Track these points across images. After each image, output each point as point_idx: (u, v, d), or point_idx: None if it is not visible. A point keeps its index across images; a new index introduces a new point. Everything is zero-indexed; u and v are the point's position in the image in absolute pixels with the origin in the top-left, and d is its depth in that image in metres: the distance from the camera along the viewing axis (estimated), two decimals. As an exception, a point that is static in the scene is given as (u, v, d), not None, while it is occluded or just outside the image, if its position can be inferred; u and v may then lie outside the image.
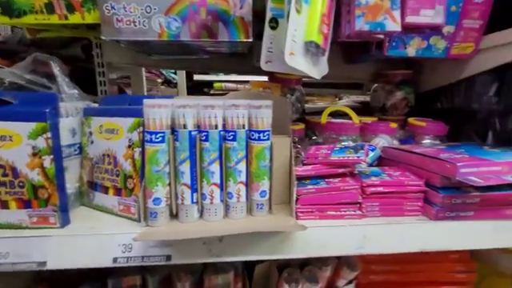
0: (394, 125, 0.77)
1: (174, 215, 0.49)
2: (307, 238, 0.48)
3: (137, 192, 0.47)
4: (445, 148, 0.60)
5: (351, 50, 0.88)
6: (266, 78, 0.85)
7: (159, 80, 2.36)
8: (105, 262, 0.44)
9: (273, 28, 0.49)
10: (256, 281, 0.59)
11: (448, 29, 0.68)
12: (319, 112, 0.80)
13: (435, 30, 0.53)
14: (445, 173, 0.49)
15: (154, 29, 0.56)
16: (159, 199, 0.46)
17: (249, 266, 0.61)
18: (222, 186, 0.49)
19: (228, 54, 0.83)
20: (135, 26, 0.56)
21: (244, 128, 0.48)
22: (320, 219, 0.51)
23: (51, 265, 0.43)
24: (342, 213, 0.51)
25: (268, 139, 0.49)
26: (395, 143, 0.77)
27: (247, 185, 0.50)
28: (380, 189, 0.52)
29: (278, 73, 0.78)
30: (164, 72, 2.38)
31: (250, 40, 0.56)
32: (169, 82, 2.49)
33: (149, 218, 0.46)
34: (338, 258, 0.62)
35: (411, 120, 0.80)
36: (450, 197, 0.50)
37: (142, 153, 0.47)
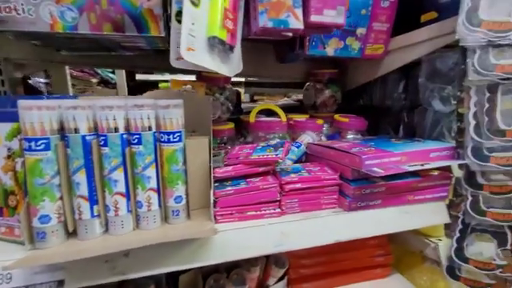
0: (320, 121, 0.80)
1: (71, 233, 0.43)
2: (226, 241, 0.47)
3: (19, 210, 0.40)
4: (359, 142, 0.64)
5: (281, 50, 0.90)
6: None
7: (94, 80, 2.15)
8: (-27, 299, 0.36)
9: (179, 21, 0.46)
10: (182, 291, 0.56)
11: (361, 30, 0.73)
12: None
13: (339, 29, 0.55)
14: (354, 165, 0.52)
15: (43, 19, 0.48)
16: (47, 216, 0.39)
17: (174, 276, 0.57)
18: (129, 195, 0.44)
19: (154, 50, 0.78)
20: (18, 14, 0.48)
21: (150, 130, 0.44)
22: (240, 220, 0.50)
23: None
24: (262, 212, 0.51)
25: (180, 141, 0.46)
26: (323, 139, 0.81)
27: (159, 191, 0.46)
28: (298, 185, 0.52)
29: (205, 71, 0.76)
30: (100, 71, 2.17)
31: (162, 35, 0.52)
32: (106, 83, 2.28)
33: (36, 239, 0.40)
34: (267, 257, 0.62)
35: (336, 116, 0.84)
36: (359, 188, 0.53)
37: (23, 163, 0.40)
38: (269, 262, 0.62)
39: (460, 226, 0.60)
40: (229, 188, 0.50)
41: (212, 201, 0.48)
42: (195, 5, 0.37)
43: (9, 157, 0.41)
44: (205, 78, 0.75)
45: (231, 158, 0.57)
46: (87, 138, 0.41)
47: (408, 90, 0.75)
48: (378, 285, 0.72)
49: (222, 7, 0.40)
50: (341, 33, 0.71)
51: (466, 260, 0.60)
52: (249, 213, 0.50)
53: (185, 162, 0.47)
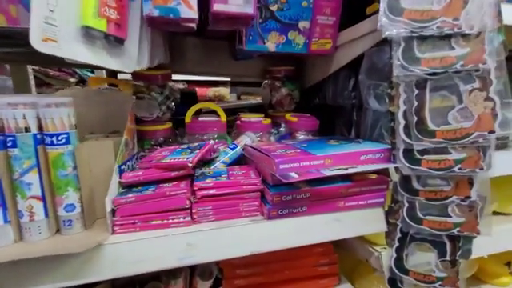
0: (267, 121, 0.76)
1: None
2: (119, 254, 0.42)
3: None
4: (295, 144, 0.59)
5: (232, 47, 0.85)
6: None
7: (72, 79, 2.11)
8: None
9: None
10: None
11: (303, 24, 0.68)
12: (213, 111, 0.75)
13: (251, 20, 0.50)
14: (271, 169, 0.47)
15: None
16: None
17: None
18: (5, 205, 0.40)
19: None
20: None
21: (28, 131, 0.39)
22: (142, 230, 0.45)
23: None
24: (170, 221, 0.46)
25: (67, 143, 0.42)
26: (271, 140, 0.76)
27: (45, 199, 0.42)
28: (212, 191, 0.48)
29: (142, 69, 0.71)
30: (78, 70, 2.13)
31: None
32: (84, 82, 2.25)
33: None
34: (192, 268, 0.58)
35: (287, 116, 0.79)
36: (279, 194, 0.48)
37: None
38: (194, 273, 0.57)
39: (399, 235, 0.55)
40: (130, 195, 0.45)
41: (110, 209, 0.44)
42: (54, -12, 0.33)
43: None
44: (140, 75, 0.71)
45: (144, 161, 0.52)
46: None
47: (356, 88, 0.71)
48: (325, 296, 0.68)
49: (96, -8, 0.36)
50: (280, 26, 0.66)
51: (406, 271, 0.55)
52: (154, 222, 0.46)
53: (76, 167, 0.43)
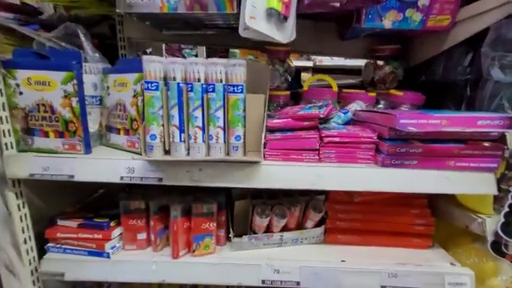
0: (372, 94, 0.84)
1: (167, 151, 0.62)
2: (271, 172, 0.60)
3: (140, 131, 0.62)
4: (406, 110, 0.67)
5: (341, 27, 0.95)
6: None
7: (179, 57, 2.54)
8: (114, 179, 0.59)
9: None
10: (236, 214, 0.72)
11: (423, 1, 0.73)
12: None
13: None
14: (389, 124, 0.57)
15: (156, 3, 0.68)
16: (154, 135, 0.59)
17: (231, 202, 0.73)
18: (204, 129, 0.61)
19: (230, 29, 0.94)
20: (142, 0, 0.69)
21: (221, 82, 0.59)
22: (284, 161, 0.62)
23: (77, 178, 0.59)
24: (303, 157, 0.62)
25: (241, 92, 0.60)
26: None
27: (225, 130, 0.62)
28: (336, 139, 0.61)
29: (267, 44, 0.88)
30: (185, 54, 2.55)
31: (235, 12, 0.66)
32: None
33: (147, 150, 0.60)
34: (307, 202, 0.73)
35: (391, 91, 0.86)
36: (394, 146, 0.58)
37: (143, 99, 0.60)
38: (308, 206, 0.72)
39: (510, 201, 0.58)
40: (277, 134, 0.62)
41: (263, 142, 0.61)
42: (259, -17, 0.49)
43: (134, 96, 0.63)
44: (267, 50, 0.88)
45: (282, 113, 0.69)
46: (180, 84, 0.59)
47: (474, 63, 0.72)
48: (417, 254, 0.74)
49: (280, -16, 0.52)
50: (400, 4, 0.73)
51: (513, 235, 0.58)
52: (291, 156, 0.62)
53: (244, 110, 0.61)
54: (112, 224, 0.69)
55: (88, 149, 0.62)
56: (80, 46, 0.73)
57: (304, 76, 2.55)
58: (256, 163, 0.59)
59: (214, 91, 0.59)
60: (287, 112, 0.68)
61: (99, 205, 0.78)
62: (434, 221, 0.73)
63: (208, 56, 2.61)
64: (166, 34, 1.01)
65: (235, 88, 0.60)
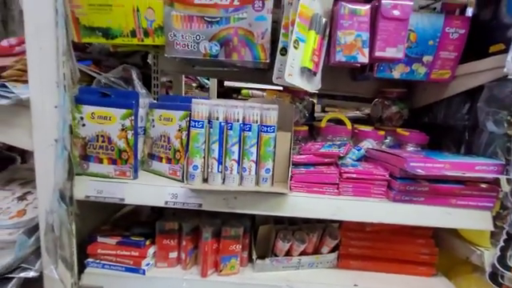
0: (381, 132, 0.94)
1: (205, 180, 0.71)
2: (296, 203, 0.69)
3: (182, 161, 0.71)
4: (413, 151, 0.77)
5: (355, 71, 1.07)
6: (280, 88, 1.07)
7: (194, 84, 2.69)
8: (159, 203, 0.67)
9: (282, 54, 0.70)
10: (259, 238, 0.79)
11: (427, 58, 0.85)
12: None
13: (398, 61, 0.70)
14: (400, 165, 0.66)
15: (200, 51, 0.80)
16: (196, 166, 0.69)
17: (255, 227, 0.81)
18: (239, 162, 0.70)
19: (252, 68, 1.06)
20: (188, 48, 0.80)
21: (257, 123, 0.69)
22: (307, 193, 0.71)
23: (127, 201, 0.67)
24: (324, 190, 0.71)
25: (273, 132, 0.70)
26: (384, 147, 0.94)
27: (257, 163, 0.71)
28: (354, 175, 0.70)
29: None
30: (199, 78, 2.70)
31: (268, 61, 0.78)
32: (202, 87, 2.81)
33: (189, 178, 0.69)
34: (323, 229, 0.81)
35: (398, 130, 0.96)
36: (404, 184, 0.67)
37: (188, 134, 0.70)
38: (324, 233, 0.80)
39: (505, 237, 0.66)
40: (302, 169, 0.71)
41: (289, 175, 0.70)
42: (296, 48, 0.61)
43: (179, 130, 0.72)
44: (289, 90, 0.99)
45: (305, 150, 0.78)
46: (222, 123, 0.69)
47: (471, 111, 0.83)
48: (422, 282, 0.81)
49: (312, 48, 0.63)
50: (407, 60, 0.85)
51: (508, 268, 0.66)
52: (314, 188, 0.71)
53: (275, 146, 0.71)
54: (147, 242, 0.76)
55: (136, 175, 0.71)
56: (129, 82, 0.85)
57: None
58: (283, 194, 0.68)
59: (250, 130, 0.69)
60: (310, 148, 0.78)
61: (130, 223, 0.85)
62: (438, 251, 0.81)
63: (219, 82, 2.77)
64: (196, 69, 1.13)
65: (268, 128, 0.70)
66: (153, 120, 0.79)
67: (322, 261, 0.81)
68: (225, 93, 2.94)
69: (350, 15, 0.64)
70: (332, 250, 0.82)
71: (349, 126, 0.93)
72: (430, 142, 0.95)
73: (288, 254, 0.80)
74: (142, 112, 0.79)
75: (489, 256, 0.70)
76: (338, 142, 0.81)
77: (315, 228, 0.80)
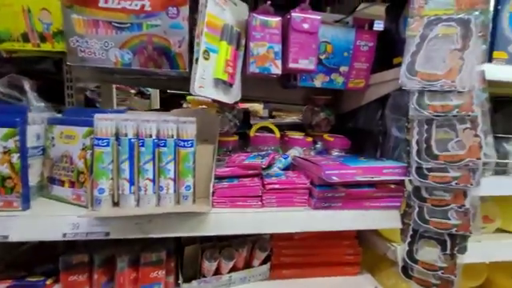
0: (309, 139, 0.97)
1: (116, 204, 0.64)
2: (219, 220, 0.65)
3: (86, 184, 0.62)
4: (333, 158, 0.80)
5: (282, 80, 1.09)
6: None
7: (133, 91, 2.49)
8: (55, 236, 0.58)
9: (206, 59, 0.65)
10: (186, 259, 0.74)
11: (343, 68, 0.90)
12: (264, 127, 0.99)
13: (311, 73, 0.73)
14: (318, 173, 0.68)
15: (110, 59, 0.72)
16: (103, 189, 0.61)
17: (181, 248, 0.76)
18: (155, 181, 0.65)
19: (178, 77, 1.01)
20: (95, 55, 0.72)
21: (173, 137, 0.65)
22: (231, 208, 0.68)
23: (13, 238, 0.56)
24: (248, 203, 0.69)
25: (192, 146, 0.66)
26: (312, 154, 0.97)
27: (175, 181, 0.66)
28: (276, 186, 0.70)
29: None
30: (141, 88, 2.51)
31: (187, 70, 0.74)
32: (142, 94, 2.62)
33: (94, 204, 0.61)
34: (253, 242, 0.79)
35: (325, 136, 1.00)
36: (323, 191, 0.69)
37: (92, 153, 0.62)
38: (254, 246, 0.78)
39: (411, 232, 0.73)
40: (225, 183, 0.68)
41: (211, 191, 0.67)
42: (206, 59, 0.58)
43: (83, 149, 0.64)
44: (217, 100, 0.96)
45: (230, 162, 0.76)
46: (132, 140, 0.62)
47: (383, 118, 0.90)
48: (349, 281, 0.85)
49: (224, 59, 0.61)
50: (326, 70, 0.89)
51: (416, 261, 0.72)
52: (238, 203, 0.68)
53: (194, 162, 0.67)
54: (48, 282, 0.65)
55: (26, 204, 0.60)
56: (22, 92, 0.72)
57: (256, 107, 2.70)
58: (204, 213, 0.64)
59: (165, 146, 0.64)
60: (234, 160, 0.76)
61: (32, 260, 0.72)
62: (364, 249, 0.86)
63: (162, 93, 2.61)
64: (117, 77, 1.03)
65: (186, 143, 0.65)
66: (53, 138, 0.68)
67: (254, 274, 0.79)
68: (168, 99, 2.79)
69: (262, 27, 0.63)
70: (264, 262, 0.81)
71: (277, 134, 0.93)
72: (355, 146, 1.01)
73: (218, 272, 0.76)
74: (38, 129, 0.68)
75: (400, 251, 0.76)
76: (264, 152, 0.80)
77: (245, 242, 0.78)
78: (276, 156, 0.87)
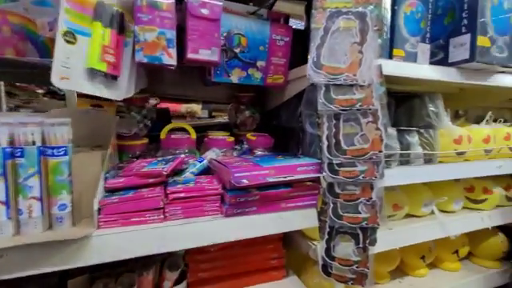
0: (230, 139, 0.90)
1: None
2: (105, 244, 0.53)
3: None
4: (250, 158, 0.74)
5: (201, 75, 1.01)
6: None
7: (40, 91, 2.10)
8: None
9: (69, 43, 0.52)
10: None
11: (261, 63, 0.86)
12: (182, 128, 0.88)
13: (216, 65, 0.66)
14: (227, 177, 0.61)
15: None
16: None
17: (64, 281, 0.61)
18: (8, 204, 0.49)
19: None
20: None
21: (34, 144, 0.50)
22: (124, 226, 0.56)
23: None
24: (147, 218, 0.58)
25: (65, 154, 0.52)
26: (234, 155, 0.91)
27: (42, 199, 0.51)
28: (182, 194, 0.61)
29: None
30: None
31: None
32: (53, 93, 2.24)
33: None
34: (162, 261, 0.68)
35: (247, 135, 0.95)
36: (235, 196, 0.62)
37: None
38: (163, 266, 0.68)
39: (328, 229, 0.71)
40: (114, 197, 0.56)
41: (96, 208, 0.54)
42: (70, 43, 0.45)
43: None
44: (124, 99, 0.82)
45: (127, 171, 0.64)
46: (-33, 150, 0.46)
47: (302, 114, 0.89)
48: (275, 286, 0.80)
49: (100, 45, 0.49)
50: (242, 64, 0.83)
51: (333, 258, 0.71)
52: (134, 219, 0.57)
53: (70, 174, 0.53)
54: None
55: None
56: None
57: (182, 108, 2.54)
58: (84, 237, 0.51)
59: (22, 156, 0.49)
60: (132, 168, 0.64)
61: None
62: (291, 250, 0.83)
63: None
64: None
65: (55, 150, 0.51)
66: None
67: (166, 298, 0.69)
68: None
69: (150, 8, 0.53)
70: (178, 281, 0.70)
71: (193, 135, 0.84)
72: (280, 144, 0.98)
73: (118, 303, 0.63)
74: None
75: (320, 249, 0.74)
76: (171, 157, 0.70)
77: (150, 263, 0.66)
78: (190, 160, 0.78)
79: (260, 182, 0.61)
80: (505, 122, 1.11)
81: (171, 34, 0.54)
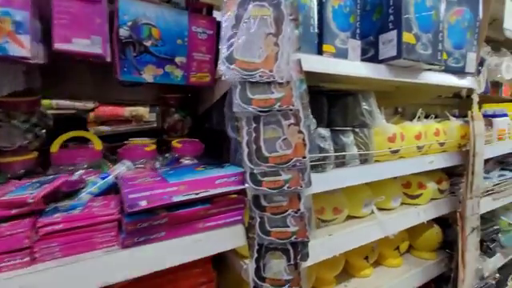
0: (150, 148, 0.78)
1: None
2: None
3: None
4: (160, 172, 0.62)
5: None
6: None
7: None
8: None
9: None
10: None
11: (180, 59, 0.74)
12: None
13: (102, 58, 0.54)
14: (124, 199, 0.49)
15: None
16: None
17: None
18: None
19: None
20: None
21: None
22: (-35, 280, 0.41)
23: None
24: (7, 264, 0.43)
25: None
26: (157, 166, 0.78)
27: None
28: (59, 226, 0.47)
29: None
30: None
31: None
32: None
33: None
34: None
35: (173, 142, 0.83)
36: (134, 222, 0.50)
37: None
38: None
39: (257, 247, 0.63)
40: None
41: None
42: None
43: None
44: (1, 102, 0.65)
45: (-20, 199, 0.48)
46: None
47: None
48: (206, 314, 0.70)
49: None
50: (156, 60, 0.71)
51: (263, 279, 0.63)
52: (-18, 267, 0.42)
53: None
54: None
55: None
56: None
57: (126, 112, 2.32)
58: None
59: None
60: (-9, 196, 0.48)
61: None
62: (225, 270, 0.73)
63: None
64: None
65: None
66: None
67: None
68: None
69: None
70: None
71: (97, 145, 0.70)
72: (213, 150, 0.88)
73: None
74: None
75: (251, 269, 0.65)
76: (51, 177, 0.56)
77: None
78: (91, 177, 0.63)
79: (164, 203, 0.50)
80: (436, 117, 1.15)
81: (22, 15, 0.40)
